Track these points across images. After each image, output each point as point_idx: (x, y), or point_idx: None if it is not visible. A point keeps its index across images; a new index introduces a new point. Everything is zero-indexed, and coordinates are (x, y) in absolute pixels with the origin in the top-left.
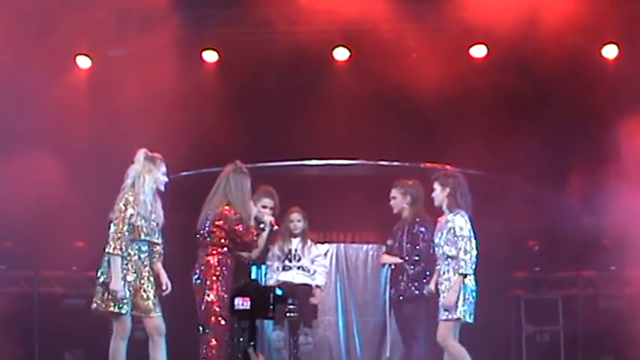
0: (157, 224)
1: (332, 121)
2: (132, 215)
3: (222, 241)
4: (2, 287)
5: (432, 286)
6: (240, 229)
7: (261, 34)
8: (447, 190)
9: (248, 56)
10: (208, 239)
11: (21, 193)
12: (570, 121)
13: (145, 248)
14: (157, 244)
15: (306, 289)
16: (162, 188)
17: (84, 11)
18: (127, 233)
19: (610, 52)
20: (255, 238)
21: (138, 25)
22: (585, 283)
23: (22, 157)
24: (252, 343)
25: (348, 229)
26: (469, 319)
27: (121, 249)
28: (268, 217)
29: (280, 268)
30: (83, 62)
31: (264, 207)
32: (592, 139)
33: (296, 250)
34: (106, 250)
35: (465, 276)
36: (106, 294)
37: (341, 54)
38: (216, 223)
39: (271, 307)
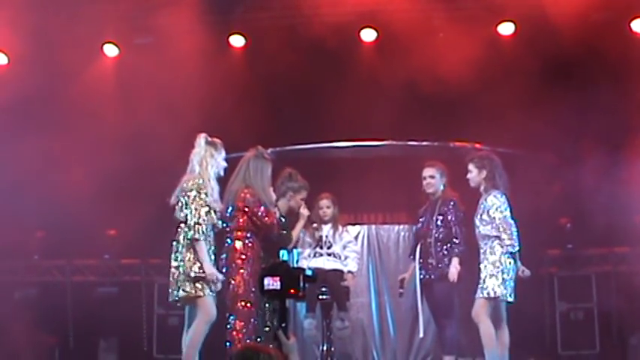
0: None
1: (360, 103)
2: (205, 199)
3: (246, 224)
4: (35, 277)
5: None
6: (261, 211)
7: (288, 17)
8: (484, 172)
9: (275, 40)
10: (232, 224)
11: (51, 182)
12: (600, 96)
13: (211, 232)
14: (219, 227)
15: (337, 274)
16: (222, 173)
17: None
18: (205, 217)
19: (639, 25)
20: (275, 221)
21: (164, 11)
22: (618, 260)
23: (52, 147)
24: (283, 325)
25: (378, 210)
26: (510, 299)
27: (204, 233)
28: (306, 211)
29: (312, 255)
30: (110, 50)
31: (303, 200)
32: (622, 115)
33: (326, 236)
34: (191, 236)
35: (509, 254)
36: (194, 282)
37: (368, 35)
38: (238, 206)
39: (301, 287)
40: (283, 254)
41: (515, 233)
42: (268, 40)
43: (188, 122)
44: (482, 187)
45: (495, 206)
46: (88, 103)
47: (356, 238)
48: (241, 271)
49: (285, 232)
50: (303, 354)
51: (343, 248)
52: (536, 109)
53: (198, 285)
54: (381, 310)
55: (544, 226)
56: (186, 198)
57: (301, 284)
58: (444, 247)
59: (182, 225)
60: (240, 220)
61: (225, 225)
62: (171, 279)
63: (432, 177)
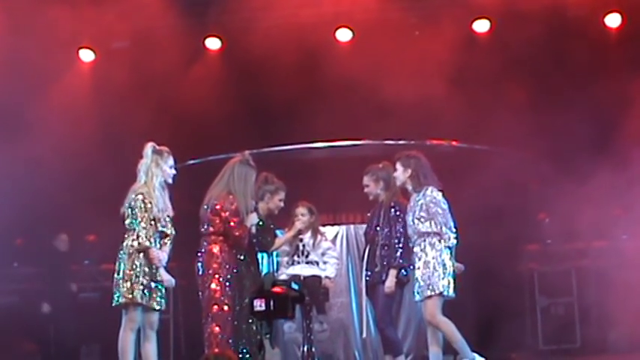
0: (168, 215)
1: (337, 103)
2: (150, 208)
3: (221, 229)
4: (15, 284)
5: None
6: (234, 221)
7: (263, 18)
8: (409, 171)
9: (251, 42)
10: (210, 228)
11: (30, 189)
12: (577, 92)
13: (158, 240)
14: (169, 235)
15: (315, 279)
16: (170, 181)
17: (85, 4)
18: (150, 225)
19: (613, 20)
20: (244, 234)
21: (139, 15)
22: (597, 254)
23: (29, 153)
24: (267, 336)
25: (357, 210)
26: (451, 293)
27: (151, 242)
28: (300, 224)
29: (290, 263)
30: (86, 55)
31: (281, 200)
32: (599, 111)
33: (304, 245)
34: (140, 244)
35: (448, 249)
36: (132, 289)
37: (344, 35)
38: (216, 211)
39: (290, 307)
40: (262, 256)
41: (454, 228)
42: (244, 43)
43: (166, 126)
44: (409, 186)
45: (434, 201)
46: (65, 108)
47: (335, 238)
48: (217, 275)
49: (263, 236)
50: (284, 356)
51: (322, 255)
52: (513, 105)
53: (136, 293)
54: (362, 310)
55: (523, 221)
56: (131, 207)
57: (290, 307)
58: (388, 253)
59: (130, 233)
60: (217, 225)
61: (202, 228)
62: (114, 284)
63: (366, 185)
